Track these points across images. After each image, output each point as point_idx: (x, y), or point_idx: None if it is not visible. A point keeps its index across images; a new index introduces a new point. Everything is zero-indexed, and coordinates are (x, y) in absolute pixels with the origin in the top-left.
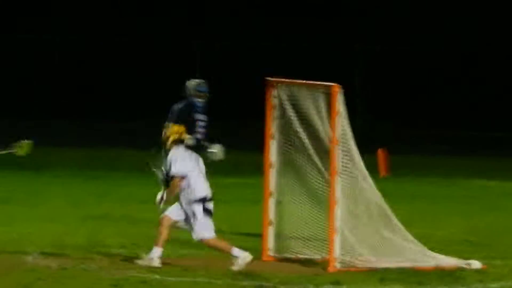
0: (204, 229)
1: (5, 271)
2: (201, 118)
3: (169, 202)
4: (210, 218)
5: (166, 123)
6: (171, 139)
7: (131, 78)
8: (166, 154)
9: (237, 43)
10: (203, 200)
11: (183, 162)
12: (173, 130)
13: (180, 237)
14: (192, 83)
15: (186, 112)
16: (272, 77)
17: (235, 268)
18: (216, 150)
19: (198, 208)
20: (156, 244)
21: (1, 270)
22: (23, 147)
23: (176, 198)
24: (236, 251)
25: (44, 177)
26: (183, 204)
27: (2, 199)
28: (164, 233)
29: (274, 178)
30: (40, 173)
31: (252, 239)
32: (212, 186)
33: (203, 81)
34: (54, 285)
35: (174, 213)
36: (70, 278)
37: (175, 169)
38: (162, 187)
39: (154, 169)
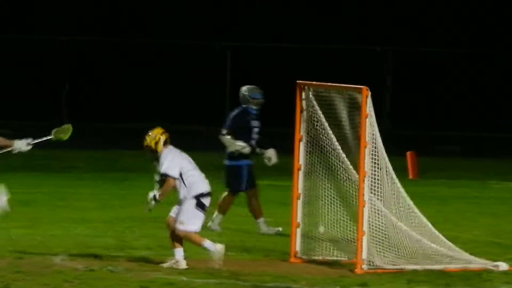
0: (192, 222)
1: (32, 273)
2: (256, 125)
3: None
4: (202, 212)
5: (222, 130)
6: (161, 141)
7: (144, 79)
8: (156, 157)
9: (251, 44)
10: (199, 196)
11: (176, 161)
12: (157, 132)
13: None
14: (245, 89)
15: (241, 119)
16: (295, 79)
17: (215, 265)
18: (271, 155)
19: (192, 202)
20: (174, 246)
21: (27, 272)
22: (64, 132)
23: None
24: (208, 243)
25: (68, 179)
26: (179, 197)
27: (25, 201)
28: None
29: (302, 180)
30: (63, 175)
31: (279, 240)
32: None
33: (256, 87)
34: (81, 286)
35: (176, 212)
36: (97, 279)
37: (169, 170)
38: (157, 187)
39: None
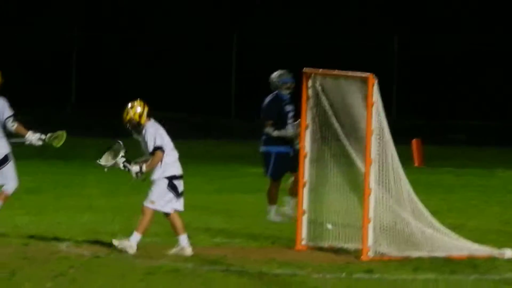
0: (163, 202)
1: (38, 260)
2: (289, 109)
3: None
4: (173, 194)
5: (266, 124)
6: (145, 114)
7: (152, 68)
8: (138, 131)
9: (270, 38)
10: (172, 178)
11: (163, 137)
12: (140, 104)
13: (213, 226)
14: (274, 75)
15: (275, 107)
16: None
17: (171, 252)
18: None
19: (164, 182)
20: (178, 234)
21: (33, 259)
22: (58, 138)
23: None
24: (183, 239)
25: (74, 167)
26: (151, 176)
27: (31, 189)
28: (177, 221)
29: (309, 168)
30: (69, 163)
31: (286, 227)
32: (249, 175)
33: (285, 71)
34: (87, 273)
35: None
36: (103, 266)
37: (159, 142)
38: (130, 166)
39: (104, 164)
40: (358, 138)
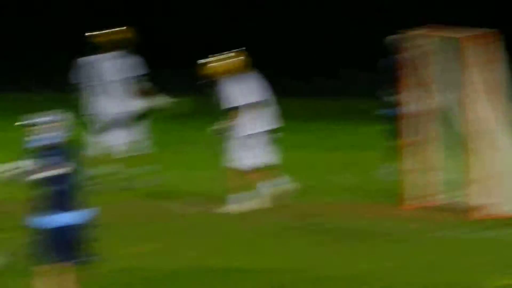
0: (240, 160)
1: (152, 218)
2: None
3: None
4: (251, 151)
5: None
6: (227, 68)
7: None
8: (216, 85)
9: None
10: (248, 136)
11: (240, 93)
12: (223, 59)
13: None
14: (390, 39)
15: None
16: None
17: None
18: None
19: (239, 140)
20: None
21: (146, 217)
22: (182, 105)
23: None
24: (261, 189)
25: (196, 123)
26: (229, 136)
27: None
28: (254, 177)
29: (409, 128)
30: (187, 123)
31: (395, 186)
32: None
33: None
34: (201, 231)
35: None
36: (216, 224)
37: (234, 101)
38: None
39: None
40: (464, 96)
